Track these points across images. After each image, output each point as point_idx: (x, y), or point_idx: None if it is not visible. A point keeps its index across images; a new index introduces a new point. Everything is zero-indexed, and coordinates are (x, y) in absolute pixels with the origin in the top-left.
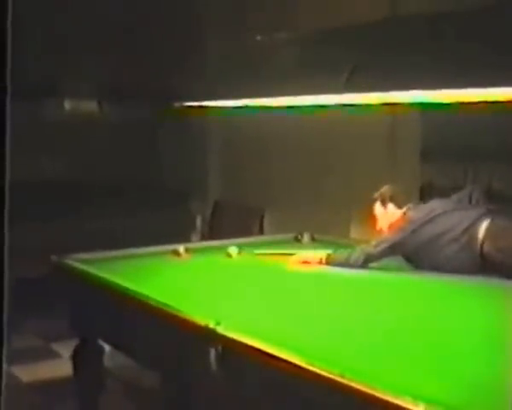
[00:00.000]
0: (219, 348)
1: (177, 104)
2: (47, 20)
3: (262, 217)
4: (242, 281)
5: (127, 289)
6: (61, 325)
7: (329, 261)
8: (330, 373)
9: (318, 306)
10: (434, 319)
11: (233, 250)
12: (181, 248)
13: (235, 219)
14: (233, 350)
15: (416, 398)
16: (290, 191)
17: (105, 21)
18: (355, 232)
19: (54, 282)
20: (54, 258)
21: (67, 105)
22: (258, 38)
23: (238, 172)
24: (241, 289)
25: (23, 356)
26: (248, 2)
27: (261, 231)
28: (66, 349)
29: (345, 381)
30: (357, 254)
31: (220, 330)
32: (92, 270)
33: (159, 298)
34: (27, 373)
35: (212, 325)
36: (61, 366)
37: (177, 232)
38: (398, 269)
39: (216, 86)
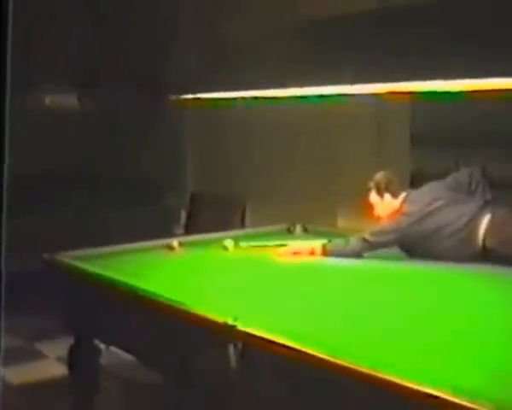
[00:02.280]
0: (239, 344)
1: (157, 96)
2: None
3: (244, 209)
4: (245, 274)
5: (131, 286)
6: (47, 325)
7: (325, 251)
8: (355, 365)
9: (329, 297)
10: (439, 306)
11: (229, 243)
12: (174, 242)
13: (214, 212)
14: (254, 347)
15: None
16: (273, 182)
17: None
18: (342, 222)
19: (46, 280)
20: (46, 255)
21: (48, 100)
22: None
23: (218, 163)
24: (246, 283)
25: (11, 357)
26: None
27: (243, 224)
28: (52, 350)
29: (375, 373)
30: (355, 243)
31: (240, 326)
32: (89, 267)
33: (164, 294)
34: (16, 375)
35: (230, 322)
36: (48, 367)
37: (159, 226)
38: (394, 258)
39: (201, 78)
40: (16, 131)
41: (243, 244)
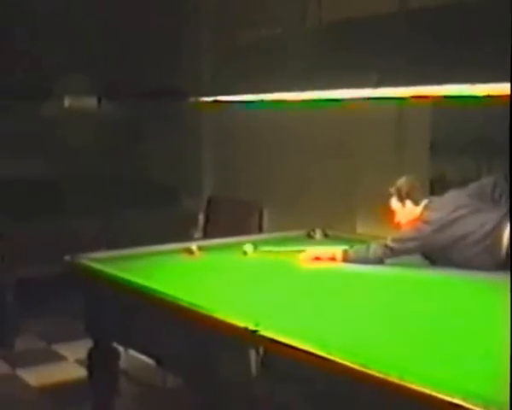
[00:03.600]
0: (261, 350)
1: (175, 99)
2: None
3: (261, 213)
4: (266, 279)
5: (150, 289)
6: (66, 327)
7: (346, 257)
8: (381, 373)
9: (351, 304)
10: (462, 316)
11: (249, 248)
12: (194, 245)
13: (232, 216)
14: (276, 352)
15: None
16: (291, 187)
17: (105, 15)
18: (361, 228)
19: (66, 282)
20: (67, 258)
21: (67, 102)
22: (264, 31)
23: (235, 168)
24: (268, 288)
25: (29, 359)
26: None
27: (260, 228)
28: (71, 352)
29: (400, 382)
30: (376, 249)
31: (262, 332)
32: (108, 269)
33: (184, 298)
34: (34, 377)
35: (252, 327)
36: (68, 369)
37: (177, 229)
38: (416, 265)
39: (223, 81)
40: (36, 134)
41: (264, 249)
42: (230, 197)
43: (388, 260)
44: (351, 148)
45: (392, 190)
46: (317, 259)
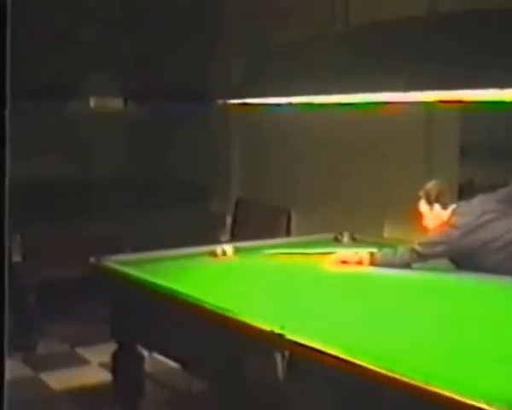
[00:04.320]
0: (287, 354)
1: (204, 101)
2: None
3: (289, 216)
4: (292, 283)
5: (176, 292)
6: (90, 330)
7: (373, 261)
8: (407, 378)
9: (378, 308)
10: (489, 320)
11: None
12: (221, 248)
13: (260, 219)
14: (302, 356)
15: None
16: (319, 190)
17: (133, 16)
18: (389, 232)
19: (91, 285)
20: (92, 260)
21: (92, 103)
22: (291, 33)
23: (263, 170)
24: (294, 292)
25: (52, 362)
26: None
27: (288, 231)
28: (94, 355)
29: (427, 386)
30: (404, 253)
31: (288, 335)
32: (133, 272)
33: (210, 301)
34: (57, 380)
35: (277, 331)
36: (91, 373)
37: (205, 232)
38: (443, 269)
39: (252, 84)
40: (61, 135)
41: (282, 250)
42: (258, 200)
43: (415, 265)
44: (380, 151)
45: (421, 193)
46: (344, 262)
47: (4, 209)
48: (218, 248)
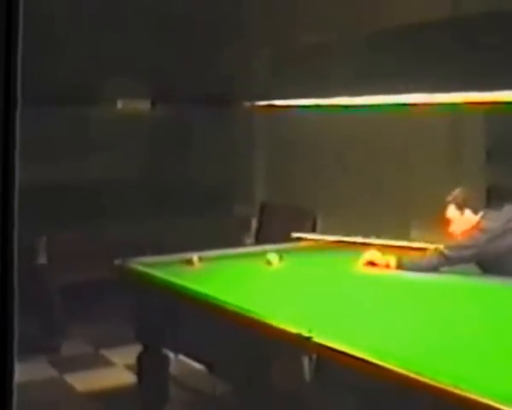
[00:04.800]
0: (314, 356)
1: (228, 105)
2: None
3: (314, 220)
4: (319, 285)
5: (202, 294)
6: (115, 332)
7: (400, 264)
8: (435, 381)
9: (406, 311)
10: None
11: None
12: (195, 256)
13: (285, 222)
14: (329, 359)
15: None
16: (344, 193)
17: (159, 18)
18: (415, 235)
19: (116, 286)
20: (117, 262)
21: (120, 105)
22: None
23: (288, 173)
24: (321, 294)
25: (76, 364)
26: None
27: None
28: (120, 357)
29: (455, 390)
30: (432, 257)
31: (315, 338)
32: (159, 274)
33: (238, 304)
34: (82, 382)
35: (305, 334)
36: (115, 375)
37: (229, 235)
38: (470, 273)
39: (276, 86)
40: (86, 138)
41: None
42: (283, 204)
43: (443, 269)
44: (406, 154)
45: (450, 199)
46: (372, 264)
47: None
48: (194, 256)
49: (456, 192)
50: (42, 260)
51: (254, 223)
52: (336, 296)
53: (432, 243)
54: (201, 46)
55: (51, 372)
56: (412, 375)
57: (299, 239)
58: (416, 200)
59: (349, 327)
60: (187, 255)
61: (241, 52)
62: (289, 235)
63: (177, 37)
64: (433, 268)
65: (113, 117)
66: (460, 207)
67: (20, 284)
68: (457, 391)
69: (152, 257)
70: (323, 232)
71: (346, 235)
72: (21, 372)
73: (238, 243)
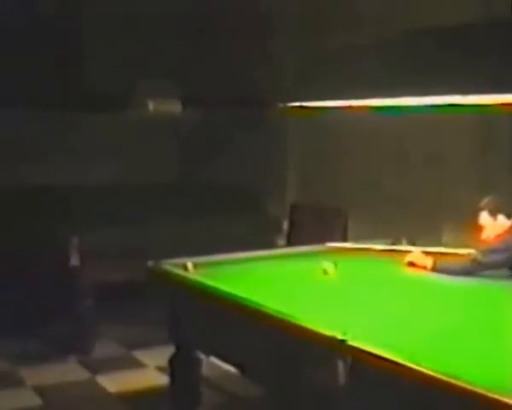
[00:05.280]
0: (349, 359)
1: (260, 106)
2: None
3: (346, 221)
4: (353, 288)
5: (235, 296)
6: (146, 333)
7: (435, 267)
8: (472, 386)
9: (441, 315)
10: None
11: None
12: (189, 263)
13: (316, 223)
14: (364, 362)
15: None
16: (376, 195)
17: (191, 20)
18: (447, 239)
19: (149, 288)
20: (150, 263)
21: (151, 106)
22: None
23: (320, 173)
24: (355, 297)
25: (108, 365)
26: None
27: (344, 236)
28: (151, 359)
29: (489, 394)
30: (465, 262)
31: (350, 341)
32: (191, 276)
33: (272, 306)
34: (114, 383)
35: (339, 336)
36: (146, 376)
37: (261, 236)
38: (503, 277)
39: (308, 87)
40: (119, 140)
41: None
42: (315, 204)
43: (476, 273)
44: (438, 157)
45: (483, 205)
46: (412, 264)
47: None
48: (189, 263)
49: (489, 199)
50: (74, 261)
51: (286, 224)
52: (371, 299)
53: (464, 247)
54: (233, 48)
55: (83, 373)
56: (448, 379)
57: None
58: (448, 203)
59: (383, 330)
60: (222, 257)
61: (274, 53)
62: (321, 236)
63: (208, 38)
64: (467, 273)
65: (145, 118)
66: (493, 213)
67: (54, 286)
68: (496, 397)
69: (184, 258)
70: (355, 233)
71: (377, 236)
72: (54, 373)
73: (270, 243)
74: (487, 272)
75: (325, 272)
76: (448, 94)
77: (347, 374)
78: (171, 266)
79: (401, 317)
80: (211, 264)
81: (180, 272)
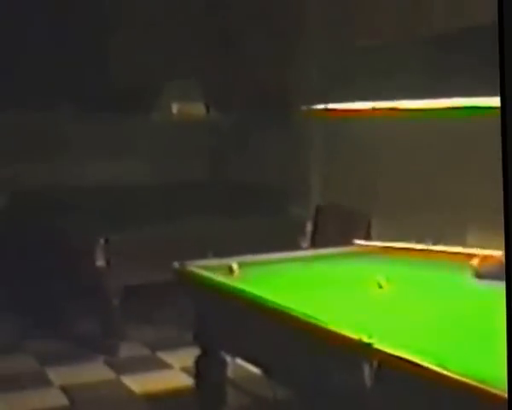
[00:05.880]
0: (375, 363)
1: (285, 107)
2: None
3: (369, 223)
4: (378, 290)
5: (260, 297)
6: (172, 335)
7: (480, 274)
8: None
9: (471, 319)
10: None
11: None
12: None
13: (340, 225)
14: (391, 366)
15: None
16: (400, 196)
17: (214, 23)
18: (472, 240)
19: (174, 289)
20: (175, 265)
21: (175, 107)
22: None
23: (344, 175)
24: (381, 299)
25: (133, 366)
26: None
27: (368, 238)
28: (176, 360)
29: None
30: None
31: (376, 344)
32: (217, 277)
33: (297, 308)
34: (139, 384)
35: (366, 339)
36: (172, 377)
37: (285, 238)
38: None
39: (334, 89)
40: (145, 141)
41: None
42: (339, 206)
43: None
44: (462, 159)
45: None
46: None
47: None
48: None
49: None
50: (100, 262)
51: (309, 226)
52: (396, 302)
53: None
54: (257, 49)
55: (109, 374)
56: (475, 383)
57: (358, 244)
58: (472, 205)
59: (410, 333)
60: (247, 258)
61: (301, 54)
62: (345, 238)
63: (233, 40)
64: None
65: (169, 120)
66: None
67: (81, 286)
68: None
69: (210, 260)
70: (378, 235)
71: (400, 238)
72: (80, 373)
73: (294, 245)
74: None
75: (379, 286)
76: (475, 96)
77: (373, 378)
78: (196, 267)
79: (429, 321)
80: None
81: (206, 273)
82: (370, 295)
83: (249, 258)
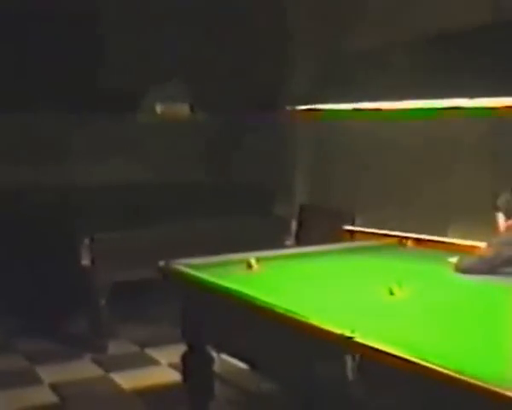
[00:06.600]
0: (357, 357)
1: (269, 108)
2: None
3: (353, 221)
4: (361, 285)
5: (245, 294)
6: (159, 331)
7: (459, 268)
8: (481, 382)
9: (455, 311)
10: None
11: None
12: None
13: (324, 223)
14: (372, 359)
15: None
16: (383, 195)
17: (203, 23)
18: (452, 237)
19: (160, 287)
20: (161, 263)
21: (159, 109)
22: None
23: (328, 175)
24: (363, 295)
25: (122, 362)
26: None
27: (352, 236)
28: (164, 356)
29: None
30: (489, 258)
31: (358, 338)
32: (203, 275)
33: (281, 304)
34: (127, 380)
35: (348, 334)
36: (160, 373)
37: (271, 237)
38: None
39: (319, 90)
40: (131, 140)
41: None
42: (323, 205)
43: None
44: (444, 157)
45: (499, 203)
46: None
47: None
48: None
49: (506, 198)
50: (85, 261)
51: (294, 224)
52: (378, 296)
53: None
54: (245, 51)
55: (98, 371)
56: (454, 374)
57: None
58: (454, 203)
59: (392, 327)
60: (232, 256)
61: (288, 56)
62: (328, 236)
63: (220, 42)
64: (492, 270)
65: (156, 121)
66: (509, 215)
67: (68, 285)
68: (504, 392)
69: (196, 258)
70: (361, 234)
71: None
72: (69, 371)
73: (279, 243)
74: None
75: (391, 293)
76: (456, 97)
77: (355, 371)
78: (181, 265)
79: (409, 314)
80: (220, 263)
81: (192, 271)
82: (356, 288)
83: (233, 256)
